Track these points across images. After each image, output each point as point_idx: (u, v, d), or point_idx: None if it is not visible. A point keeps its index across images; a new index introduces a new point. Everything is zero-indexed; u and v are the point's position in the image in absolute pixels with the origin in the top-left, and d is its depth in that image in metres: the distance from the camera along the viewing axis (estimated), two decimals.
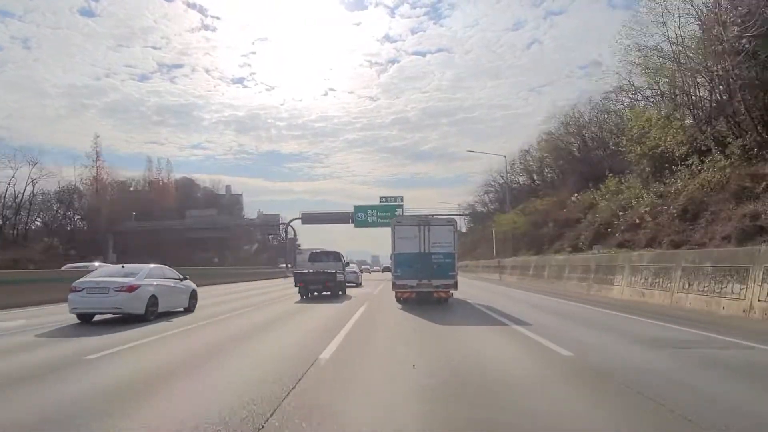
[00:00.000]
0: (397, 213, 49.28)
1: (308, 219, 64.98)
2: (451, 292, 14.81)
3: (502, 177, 58.20)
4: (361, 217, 55.61)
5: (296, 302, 16.87)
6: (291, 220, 72.30)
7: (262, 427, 4.00)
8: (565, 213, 35.59)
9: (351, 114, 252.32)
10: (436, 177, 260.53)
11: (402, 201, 57.02)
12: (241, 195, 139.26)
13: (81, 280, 11.48)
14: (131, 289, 10.83)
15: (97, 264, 24.02)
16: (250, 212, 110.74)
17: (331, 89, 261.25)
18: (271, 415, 4.28)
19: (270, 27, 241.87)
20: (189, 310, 13.37)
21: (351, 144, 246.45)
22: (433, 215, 34.26)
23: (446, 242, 14.42)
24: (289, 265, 58.21)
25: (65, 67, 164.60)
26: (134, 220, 74.92)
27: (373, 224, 55.09)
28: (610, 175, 29.82)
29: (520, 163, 58.92)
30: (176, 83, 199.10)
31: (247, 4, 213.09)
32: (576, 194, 35.31)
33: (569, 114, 44.31)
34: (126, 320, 11.00)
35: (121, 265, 12.98)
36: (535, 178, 57.21)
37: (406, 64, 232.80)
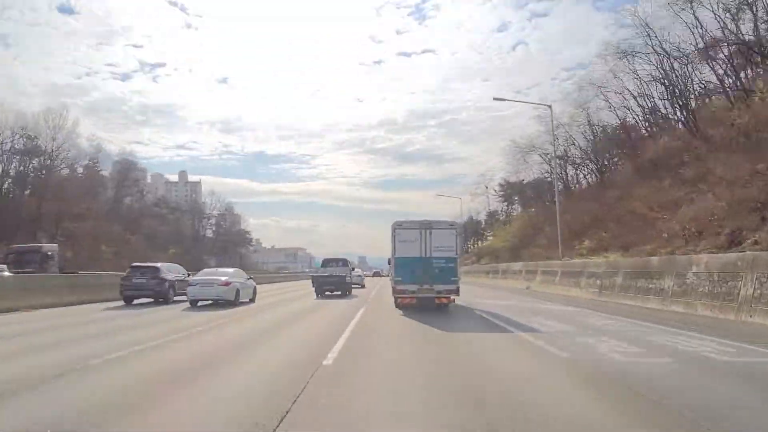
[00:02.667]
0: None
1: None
2: (452, 297, 14.20)
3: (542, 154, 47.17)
4: None
5: (314, 299, 20.51)
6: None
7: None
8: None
9: (337, 115, 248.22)
10: (425, 178, 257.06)
11: None
12: (198, 182, 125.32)
13: (194, 278, 18.03)
14: (227, 284, 17.10)
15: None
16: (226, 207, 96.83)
17: (317, 90, 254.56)
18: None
19: (253, 26, 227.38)
20: (252, 300, 18.83)
21: (338, 145, 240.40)
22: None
23: (448, 246, 13.87)
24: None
25: (45, 65, 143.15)
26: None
27: None
28: None
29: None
30: (159, 82, 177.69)
31: (229, 2, 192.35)
32: None
33: None
34: (220, 304, 16.65)
35: (215, 269, 19.68)
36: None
37: (392, 65, 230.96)
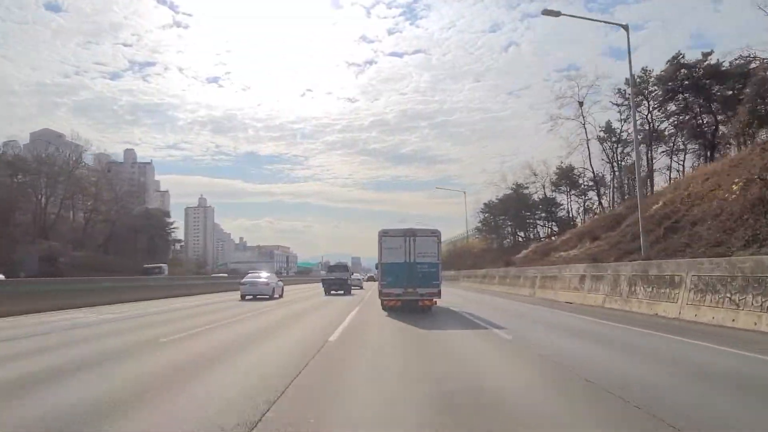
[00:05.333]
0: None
1: None
2: (435, 300, 14.67)
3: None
4: None
5: (323, 297, 25.18)
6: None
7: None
8: None
9: (330, 115, 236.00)
10: (418, 179, 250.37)
11: None
12: (149, 164, 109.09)
13: (244, 280, 23.25)
14: (266, 284, 22.46)
15: None
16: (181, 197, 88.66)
17: (309, 90, 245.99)
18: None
19: (244, 25, 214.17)
20: (282, 296, 24.12)
21: (331, 146, 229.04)
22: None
23: (431, 252, 14.38)
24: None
25: (33, 64, 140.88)
26: None
27: None
28: None
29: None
30: (149, 82, 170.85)
31: (219, 1, 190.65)
32: None
33: None
34: (260, 298, 21.87)
35: (258, 272, 24.68)
36: None
37: (383, 65, 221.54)
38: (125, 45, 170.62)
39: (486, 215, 66.11)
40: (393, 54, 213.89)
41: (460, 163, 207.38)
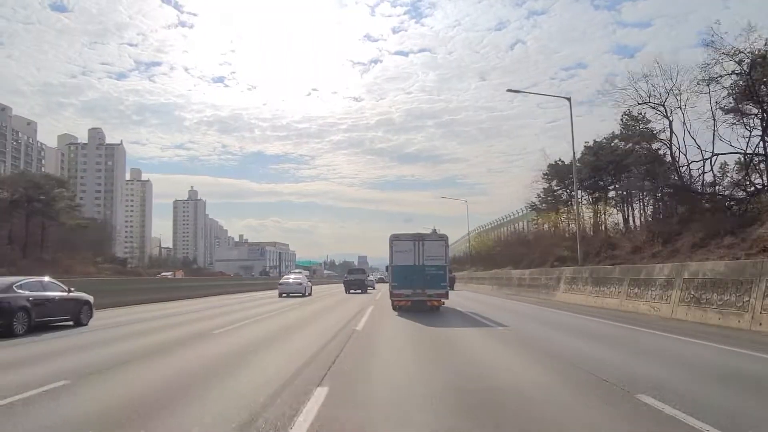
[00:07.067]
0: None
1: None
2: (442, 300, 15.13)
3: None
4: None
5: (344, 294, 28.91)
6: None
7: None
8: None
9: (335, 115, 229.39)
10: (424, 179, 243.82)
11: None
12: (119, 145, 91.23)
13: (281, 281, 26.76)
14: (300, 284, 25.71)
15: None
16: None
17: (314, 89, 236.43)
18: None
19: (249, 24, 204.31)
20: (311, 294, 26.95)
21: (337, 145, 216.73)
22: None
23: (439, 256, 14.92)
24: None
25: (39, 64, 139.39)
26: None
27: None
28: None
29: None
30: (155, 81, 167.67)
31: (223, 0, 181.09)
32: None
33: None
34: (295, 297, 24.38)
35: (292, 274, 29.18)
36: None
37: (388, 64, 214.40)
38: (131, 45, 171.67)
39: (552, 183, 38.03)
40: (398, 53, 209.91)
41: (466, 163, 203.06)
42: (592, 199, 34.62)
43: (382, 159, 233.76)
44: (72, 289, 11.98)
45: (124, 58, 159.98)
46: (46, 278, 11.99)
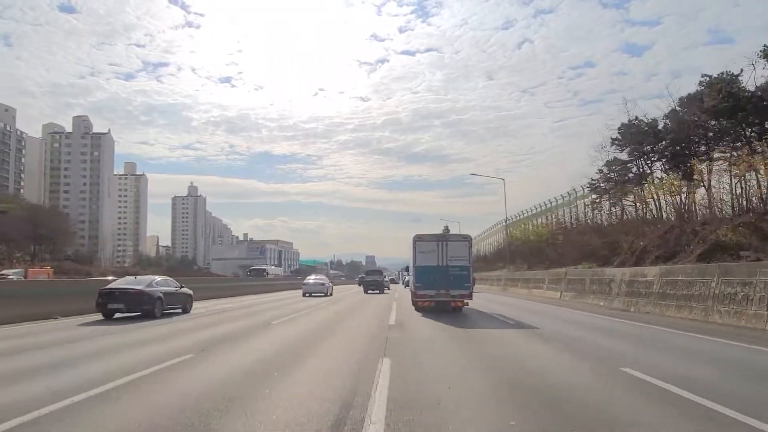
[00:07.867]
0: None
1: None
2: (466, 301, 14.83)
3: None
4: None
5: (363, 295, 30.65)
6: None
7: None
8: None
9: (342, 115, 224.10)
10: (431, 179, 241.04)
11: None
12: (106, 134, 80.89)
13: (304, 282, 28.84)
14: (322, 284, 28.03)
15: None
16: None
17: (321, 89, 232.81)
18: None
19: (256, 24, 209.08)
20: (331, 294, 28.89)
21: (344, 145, 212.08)
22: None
23: (462, 256, 14.73)
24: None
25: (48, 65, 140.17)
26: None
27: None
28: None
29: None
30: (162, 82, 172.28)
31: (230, 1, 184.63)
32: None
33: None
34: (317, 296, 26.46)
35: (315, 276, 31.19)
36: None
37: (395, 64, 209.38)
38: (138, 45, 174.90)
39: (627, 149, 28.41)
40: (405, 52, 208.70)
41: (473, 162, 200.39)
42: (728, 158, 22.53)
43: (390, 159, 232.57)
44: (182, 285, 16.08)
45: (132, 58, 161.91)
46: (168, 277, 16.71)
